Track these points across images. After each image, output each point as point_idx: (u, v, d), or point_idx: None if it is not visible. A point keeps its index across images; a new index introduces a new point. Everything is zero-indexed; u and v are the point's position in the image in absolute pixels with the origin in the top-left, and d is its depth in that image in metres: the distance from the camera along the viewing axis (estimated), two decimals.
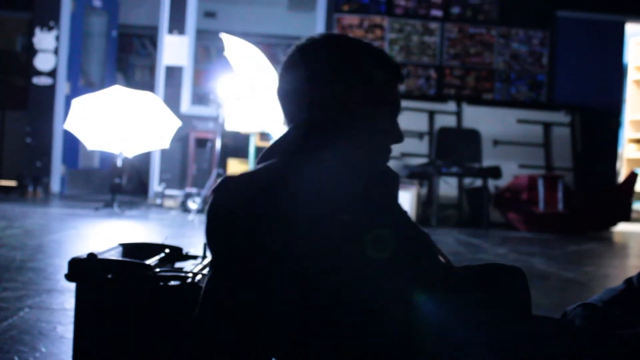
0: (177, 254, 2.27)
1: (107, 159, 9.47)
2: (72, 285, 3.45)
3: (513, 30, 9.75)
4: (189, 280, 1.86)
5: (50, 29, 9.32)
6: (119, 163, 7.50)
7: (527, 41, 9.76)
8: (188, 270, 1.95)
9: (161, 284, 1.84)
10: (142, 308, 1.83)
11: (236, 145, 8.85)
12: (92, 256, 1.89)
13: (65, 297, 3.24)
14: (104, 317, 1.84)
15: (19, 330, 2.61)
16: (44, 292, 3.33)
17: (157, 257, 2.09)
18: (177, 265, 2.24)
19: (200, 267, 2.04)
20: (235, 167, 8.55)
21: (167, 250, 2.23)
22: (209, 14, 11.77)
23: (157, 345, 1.82)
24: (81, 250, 4.50)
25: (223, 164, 8.49)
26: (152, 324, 1.82)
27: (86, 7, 9.86)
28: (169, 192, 8.64)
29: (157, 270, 1.89)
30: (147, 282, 1.85)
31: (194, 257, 2.27)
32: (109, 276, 1.85)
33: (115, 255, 2.10)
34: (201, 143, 9.16)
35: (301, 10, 11.42)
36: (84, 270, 1.87)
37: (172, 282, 1.85)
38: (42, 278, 3.73)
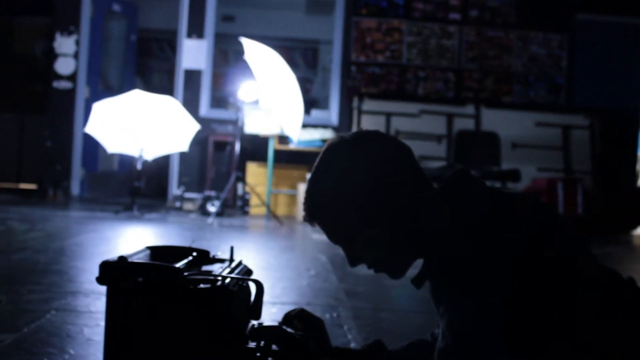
0: (204, 257, 2.28)
1: (126, 162, 9.53)
2: (96, 288, 3.50)
3: (532, 33, 9.72)
4: (219, 283, 1.87)
5: (70, 33, 9.38)
6: (139, 166, 7.54)
7: (546, 44, 9.73)
8: (217, 273, 1.96)
9: (191, 287, 1.86)
10: (172, 311, 1.84)
11: (255, 149, 8.87)
12: (122, 259, 1.90)
13: (90, 300, 3.26)
14: (134, 320, 1.85)
15: (47, 333, 2.64)
16: (68, 295, 3.36)
17: (185, 260, 2.10)
18: (205, 268, 2.25)
19: (228, 270, 2.05)
20: (254, 170, 8.57)
21: (194, 254, 2.25)
22: (227, 18, 11.81)
23: (188, 349, 1.83)
24: (103, 253, 4.56)
25: (242, 167, 8.51)
26: (182, 327, 1.83)
27: (106, 12, 9.93)
28: (187, 195, 8.67)
29: (187, 273, 1.90)
30: (177, 285, 1.86)
31: (222, 261, 2.28)
32: (140, 279, 1.86)
33: (144, 258, 2.12)
34: (220, 146, 9.18)
35: (319, 13, 11.44)
36: (115, 273, 1.88)
37: (202, 285, 1.86)
38: (65, 280, 3.75)
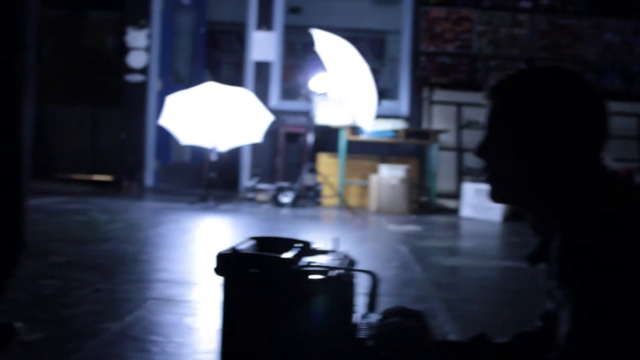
0: (307, 248, 2.29)
1: (197, 153, 9.64)
2: (187, 277, 3.56)
3: (605, 21, 9.53)
4: (331, 274, 1.88)
5: (141, 27, 9.53)
6: (214, 157, 7.63)
7: (620, 31, 9.52)
8: (325, 264, 1.97)
9: (304, 278, 1.88)
10: (287, 302, 1.86)
11: (326, 140, 8.87)
12: (235, 250, 1.93)
13: (183, 290, 3.32)
14: (251, 311, 1.88)
15: (149, 322, 2.69)
16: (161, 284, 3.42)
17: (294, 251, 2.12)
18: (308, 259, 2.27)
19: (338, 261, 2.06)
20: (326, 161, 8.58)
21: (298, 245, 2.26)
22: (294, 10, 11.83)
23: (303, 340, 1.85)
24: (187, 243, 4.61)
25: (313, 159, 8.53)
26: (298, 318, 1.85)
27: (175, 5, 10.05)
28: (260, 186, 8.74)
29: (298, 264, 1.92)
30: (290, 276, 1.88)
31: (324, 252, 2.29)
32: (253, 270, 1.89)
33: (251, 249, 2.15)
34: (290, 137, 9.22)
35: (387, 3, 11.40)
36: (230, 264, 1.91)
37: (314, 276, 1.88)
38: (155, 270, 3.83)
